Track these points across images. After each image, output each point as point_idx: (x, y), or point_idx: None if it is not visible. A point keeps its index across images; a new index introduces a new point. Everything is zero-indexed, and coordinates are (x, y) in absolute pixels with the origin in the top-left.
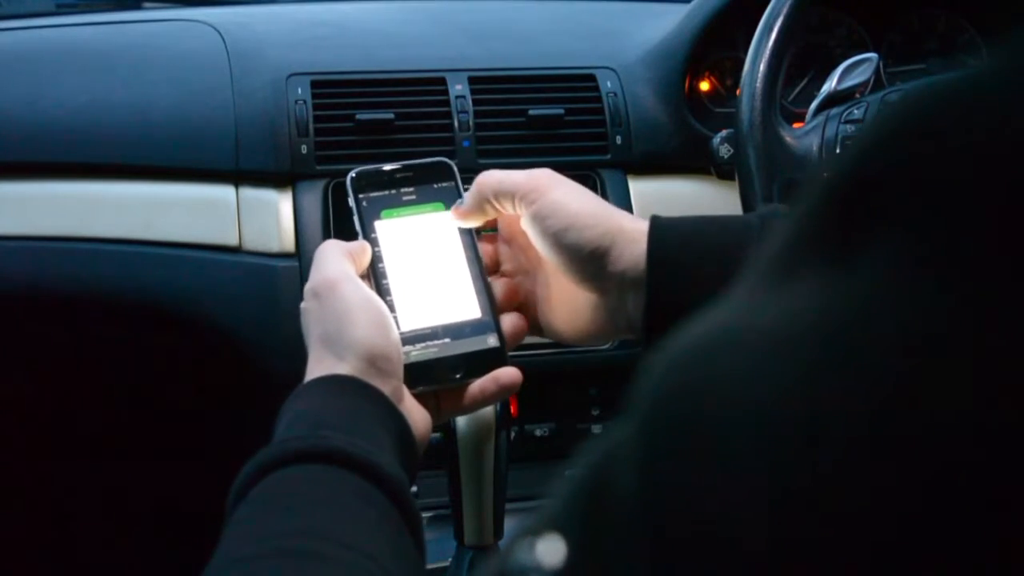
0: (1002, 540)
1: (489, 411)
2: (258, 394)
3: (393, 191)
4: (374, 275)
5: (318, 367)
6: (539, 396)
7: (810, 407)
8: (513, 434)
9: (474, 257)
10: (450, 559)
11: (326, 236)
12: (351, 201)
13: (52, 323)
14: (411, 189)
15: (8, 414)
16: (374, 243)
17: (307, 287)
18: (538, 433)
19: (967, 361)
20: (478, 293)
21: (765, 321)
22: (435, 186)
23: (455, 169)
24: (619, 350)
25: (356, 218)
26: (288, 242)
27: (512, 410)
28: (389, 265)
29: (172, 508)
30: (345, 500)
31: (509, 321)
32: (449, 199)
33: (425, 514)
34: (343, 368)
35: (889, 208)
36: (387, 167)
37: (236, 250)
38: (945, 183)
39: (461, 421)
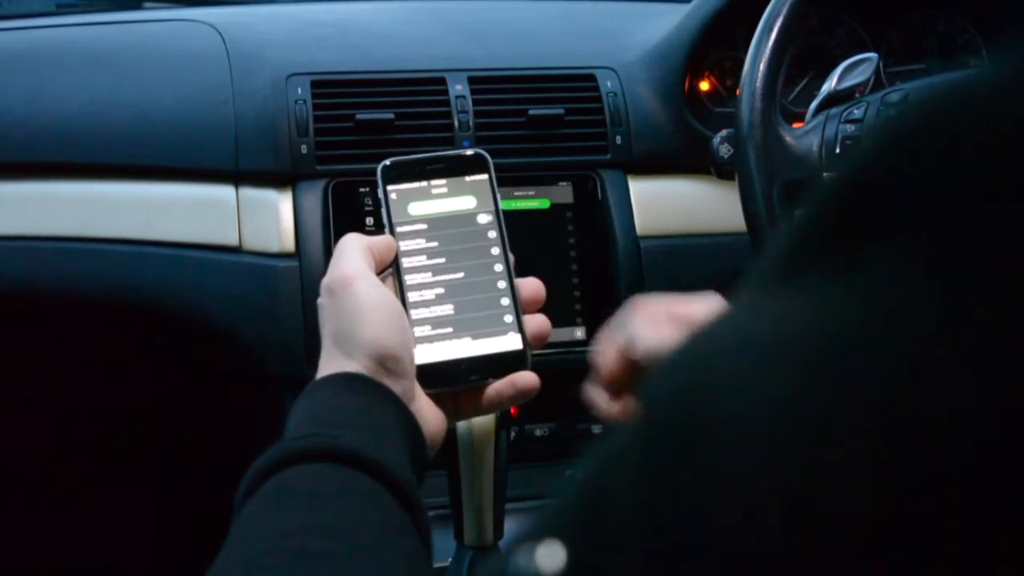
0: (1006, 533)
1: None
2: (257, 394)
3: (424, 183)
4: (397, 270)
5: (329, 365)
6: (539, 396)
7: (811, 411)
8: (513, 434)
9: (502, 254)
10: (450, 559)
11: (326, 236)
12: (380, 192)
13: (52, 323)
14: (443, 182)
15: (9, 414)
16: (400, 237)
17: (323, 283)
18: (538, 433)
19: (967, 363)
20: (503, 292)
21: (767, 326)
22: (467, 179)
23: (490, 161)
24: None
25: (384, 210)
26: (288, 242)
27: (512, 410)
28: (414, 260)
29: (172, 507)
30: (352, 499)
31: (534, 323)
32: (481, 192)
33: None
34: (352, 366)
35: (891, 212)
36: (420, 158)
37: (236, 250)
38: (947, 187)
39: (461, 421)
